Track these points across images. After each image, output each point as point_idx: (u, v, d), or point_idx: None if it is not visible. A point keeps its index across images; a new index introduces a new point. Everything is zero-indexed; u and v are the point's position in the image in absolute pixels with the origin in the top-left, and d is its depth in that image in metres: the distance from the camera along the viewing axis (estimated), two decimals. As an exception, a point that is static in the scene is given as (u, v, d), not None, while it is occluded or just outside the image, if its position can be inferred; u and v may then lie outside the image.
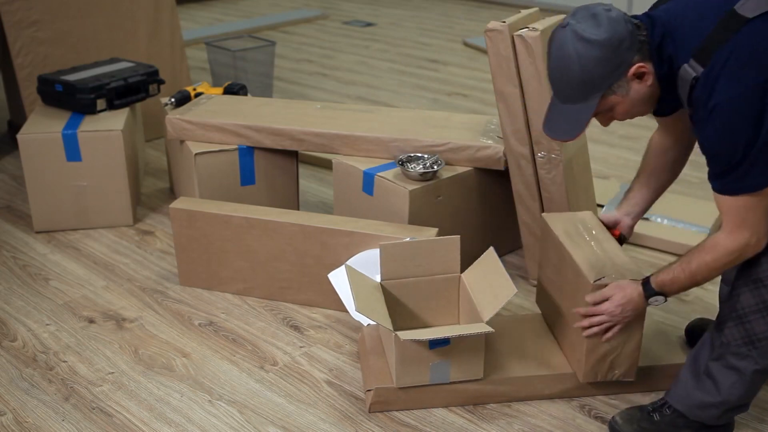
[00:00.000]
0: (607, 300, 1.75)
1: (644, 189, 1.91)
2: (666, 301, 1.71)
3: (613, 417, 1.84)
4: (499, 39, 2.19)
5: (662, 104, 1.63)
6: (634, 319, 1.77)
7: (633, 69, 1.51)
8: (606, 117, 1.61)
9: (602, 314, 1.75)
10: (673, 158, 1.86)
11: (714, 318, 2.19)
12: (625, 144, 3.69)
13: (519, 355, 1.99)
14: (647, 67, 1.52)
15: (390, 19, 6.70)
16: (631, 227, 1.96)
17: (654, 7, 1.60)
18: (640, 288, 1.72)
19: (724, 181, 1.50)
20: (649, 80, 1.54)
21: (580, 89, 1.53)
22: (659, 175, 1.89)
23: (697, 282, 1.64)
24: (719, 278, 2.08)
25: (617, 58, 1.49)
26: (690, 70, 1.47)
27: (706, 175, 1.55)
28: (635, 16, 1.55)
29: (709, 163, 1.52)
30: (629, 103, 1.57)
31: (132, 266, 2.57)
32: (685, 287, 1.67)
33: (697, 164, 1.74)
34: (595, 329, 1.78)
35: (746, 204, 1.49)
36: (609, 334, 1.78)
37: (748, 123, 1.42)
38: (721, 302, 2.07)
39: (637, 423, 1.80)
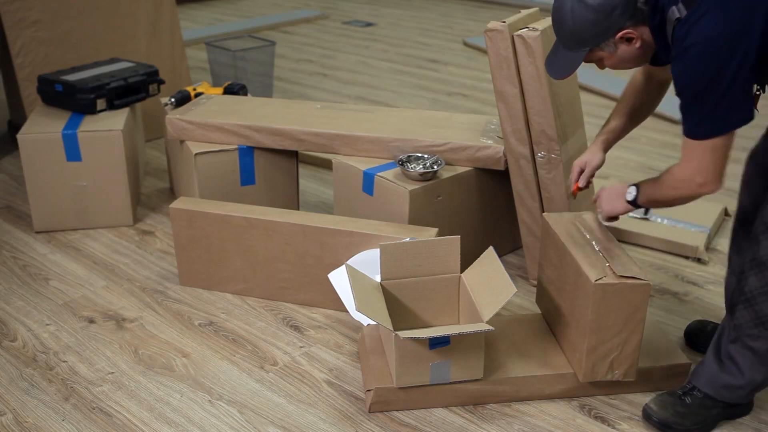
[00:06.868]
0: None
1: (623, 119, 2.00)
2: (637, 197, 1.78)
3: (646, 404, 1.87)
4: (499, 39, 2.19)
5: (659, 55, 1.71)
6: (615, 199, 1.87)
7: (621, 34, 1.63)
8: (598, 65, 1.75)
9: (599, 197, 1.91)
10: (648, 100, 1.97)
11: (713, 318, 2.22)
12: (625, 144, 3.67)
13: (519, 355, 1.99)
14: (636, 33, 1.63)
15: (390, 19, 6.71)
16: (602, 161, 2.03)
17: None
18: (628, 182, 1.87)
19: (687, 122, 1.60)
20: (638, 44, 1.65)
21: (571, 42, 1.68)
22: (635, 111, 1.99)
23: (655, 194, 1.75)
24: (725, 270, 2.09)
25: (607, 22, 1.61)
26: (676, 11, 1.55)
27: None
28: None
29: (679, 99, 1.60)
30: (617, 59, 1.70)
31: (132, 266, 2.57)
32: (650, 193, 1.76)
33: (697, 164, 1.75)
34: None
35: (700, 146, 1.59)
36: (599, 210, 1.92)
37: (716, 64, 1.50)
38: (727, 290, 2.08)
39: (672, 407, 1.83)
